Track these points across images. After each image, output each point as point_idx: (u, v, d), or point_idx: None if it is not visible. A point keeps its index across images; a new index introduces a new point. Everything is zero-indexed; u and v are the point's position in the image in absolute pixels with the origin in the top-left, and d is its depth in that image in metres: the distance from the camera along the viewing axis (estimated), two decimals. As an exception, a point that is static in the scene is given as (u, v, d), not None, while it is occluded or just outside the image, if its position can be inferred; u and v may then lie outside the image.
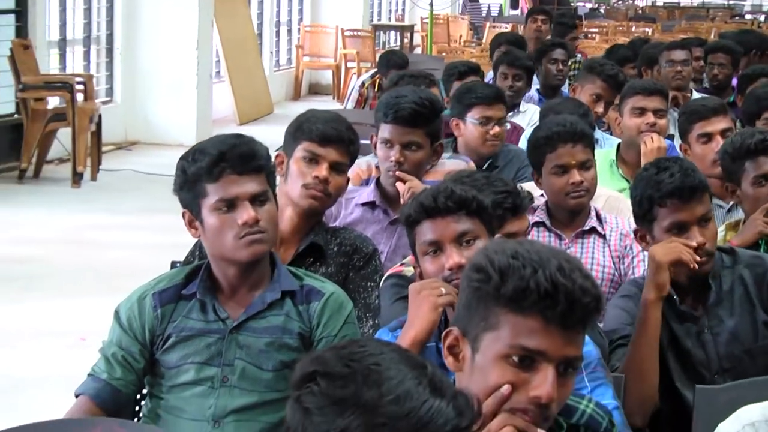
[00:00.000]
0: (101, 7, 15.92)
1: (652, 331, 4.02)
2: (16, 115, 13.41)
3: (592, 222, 5.12)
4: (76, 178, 12.83)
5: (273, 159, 3.94)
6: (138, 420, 3.83)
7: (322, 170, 4.41)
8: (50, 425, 3.23)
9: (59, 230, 10.90)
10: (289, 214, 4.44)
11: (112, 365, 3.67)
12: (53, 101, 13.16)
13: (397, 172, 5.00)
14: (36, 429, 3.21)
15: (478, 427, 2.46)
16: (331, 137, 4.46)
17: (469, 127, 6.31)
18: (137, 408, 3.92)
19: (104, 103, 15.09)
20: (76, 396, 3.67)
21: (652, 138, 6.08)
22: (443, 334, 2.64)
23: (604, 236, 5.11)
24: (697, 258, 4.01)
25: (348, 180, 4.66)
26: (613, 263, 5.06)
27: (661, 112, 6.53)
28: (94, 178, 12.99)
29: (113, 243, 10.28)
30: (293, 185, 4.43)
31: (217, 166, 3.61)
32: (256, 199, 3.63)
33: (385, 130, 5.19)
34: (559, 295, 2.44)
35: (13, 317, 8.19)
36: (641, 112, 6.47)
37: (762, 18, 31.73)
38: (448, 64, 9.11)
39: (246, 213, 3.59)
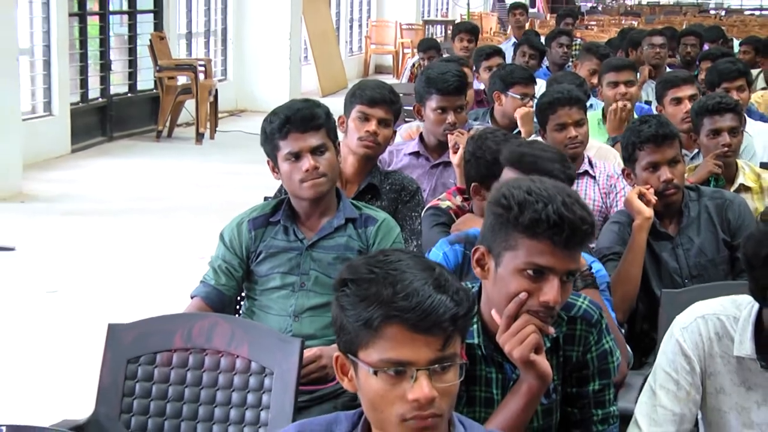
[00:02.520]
0: (218, 7, 15.97)
1: (639, 248, 4.02)
2: (154, 90, 13.53)
3: (585, 166, 5.06)
4: (199, 137, 12.93)
5: (336, 120, 3.92)
6: (237, 315, 3.84)
7: (372, 126, 4.40)
8: (173, 317, 3.25)
9: (186, 175, 10.98)
10: (351, 160, 4.43)
11: (218, 274, 3.68)
12: (182, 79, 13.16)
13: (455, 134, 4.89)
14: (163, 320, 3.23)
15: (504, 326, 2.48)
16: (377, 99, 4.44)
17: (510, 100, 6.19)
18: (237, 307, 3.93)
19: (220, 80, 15.13)
20: (192, 297, 3.69)
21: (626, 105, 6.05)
22: (473, 249, 2.61)
23: (594, 177, 5.05)
24: (653, 199, 4.04)
25: (394, 132, 4.65)
26: (601, 198, 5.01)
27: (630, 82, 6.48)
28: (212, 137, 13.07)
29: (225, 184, 10.27)
30: (351, 138, 4.42)
31: (285, 126, 3.61)
32: (317, 150, 3.61)
33: (439, 101, 5.07)
34: (564, 225, 2.43)
35: (151, 241, 8.27)
36: (615, 84, 6.43)
37: (723, 13, 31.32)
38: (477, 48, 9.04)
39: (308, 162, 3.57)
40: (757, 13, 32.28)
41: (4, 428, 2.29)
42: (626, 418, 2.80)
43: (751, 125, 6.00)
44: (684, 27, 15.54)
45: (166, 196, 10.00)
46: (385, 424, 2.01)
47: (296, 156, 3.61)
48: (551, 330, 2.50)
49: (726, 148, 4.75)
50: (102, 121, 12.99)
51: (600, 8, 33.23)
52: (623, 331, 3.91)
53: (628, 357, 3.44)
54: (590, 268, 3.39)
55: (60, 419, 3.06)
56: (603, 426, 2.65)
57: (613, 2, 37.44)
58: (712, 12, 31.67)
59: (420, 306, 1.96)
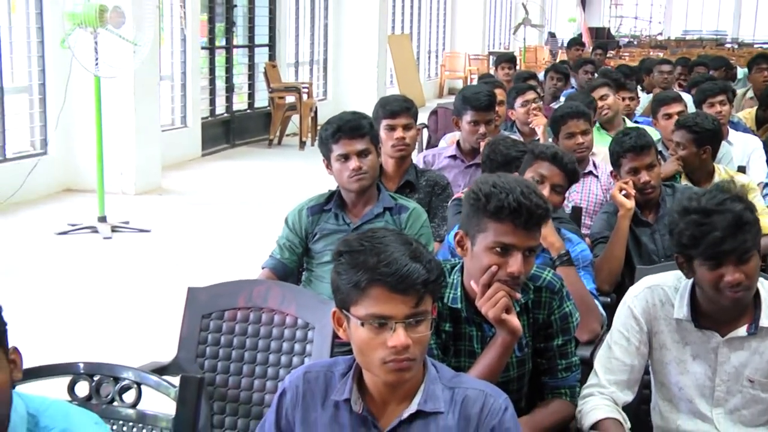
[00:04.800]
0: (320, 41, 16.08)
1: (622, 233, 3.98)
2: (267, 107, 13.63)
3: (590, 167, 5.00)
4: (302, 144, 13.01)
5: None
6: (299, 284, 3.84)
7: (399, 133, 4.37)
8: (238, 283, 3.24)
9: (291, 175, 11.03)
10: (390, 162, 4.42)
11: (283, 250, 3.72)
12: (289, 99, 13.26)
13: (485, 142, 4.81)
14: (230, 285, 3.23)
15: (480, 293, 2.48)
16: (397, 111, 4.42)
17: (517, 111, 6.19)
18: (299, 277, 3.93)
19: (321, 100, 15.26)
20: (262, 268, 3.74)
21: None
22: (454, 234, 2.61)
23: (597, 176, 4.98)
24: (632, 193, 4.00)
25: (419, 130, 4.61)
26: (603, 193, 4.93)
27: (604, 95, 6.29)
28: (312, 144, 13.05)
29: (321, 181, 10.23)
30: (386, 146, 4.36)
31: (336, 133, 3.62)
32: (362, 153, 3.61)
33: (473, 115, 5.02)
34: (523, 210, 2.42)
35: (261, 224, 8.21)
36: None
37: (736, 46, 30.63)
38: (516, 73, 8.99)
39: (354, 162, 3.59)
40: (766, 45, 31.51)
41: (81, 364, 2.33)
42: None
43: (733, 135, 5.92)
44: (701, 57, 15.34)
45: (275, 190, 10.07)
46: (370, 366, 2.03)
47: (345, 157, 3.62)
48: (518, 295, 2.49)
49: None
50: (226, 131, 13.17)
51: (635, 42, 32.77)
52: (610, 300, 3.88)
53: (602, 319, 3.40)
54: (567, 250, 3.37)
55: (150, 361, 3.12)
56: (566, 373, 2.65)
57: (647, 38, 36.91)
58: (728, 45, 31.00)
59: (398, 272, 1.97)
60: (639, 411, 2.81)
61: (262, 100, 13.93)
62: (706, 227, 2.39)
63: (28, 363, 2.04)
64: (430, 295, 2.02)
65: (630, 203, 3.99)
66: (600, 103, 6.20)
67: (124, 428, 2.35)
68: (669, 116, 5.58)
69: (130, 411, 2.36)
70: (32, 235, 7.90)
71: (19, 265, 7.03)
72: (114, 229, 7.99)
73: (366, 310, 1.99)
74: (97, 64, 7.90)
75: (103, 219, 8.00)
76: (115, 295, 6.40)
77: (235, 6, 13.43)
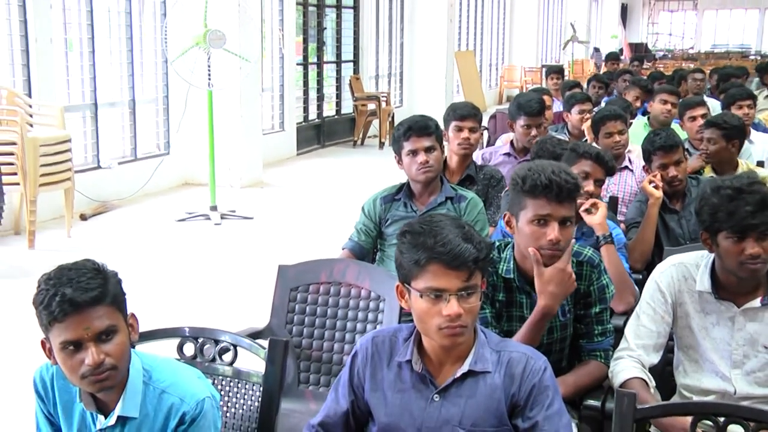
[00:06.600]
0: (396, 57, 16.01)
1: (651, 219, 3.89)
2: (352, 113, 13.64)
3: (625, 163, 4.89)
4: (381, 145, 12.99)
5: (443, 130, 3.85)
6: (374, 262, 3.81)
7: (465, 134, 4.29)
8: (320, 261, 3.24)
9: (371, 170, 11.01)
10: (454, 159, 4.34)
11: (360, 234, 3.70)
12: (370, 106, 13.26)
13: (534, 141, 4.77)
14: (314, 263, 3.23)
15: (537, 267, 2.43)
16: (466, 115, 4.33)
17: (573, 116, 6.08)
18: (374, 257, 3.90)
19: (397, 107, 15.17)
20: (342, 249, 3.71)
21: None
22: (503, 215, 2.57)
23: (632, 171, 4.87)
24: (660, 184, 3.91)
25: (482, 134, 4.53)
26: (637, 185, 4.82)
27: (673, 104, 6.19)
28: (389, 144, 12.91)
29: (397, 174, 10.27)
30: (453, 144, 4.31)
31: (407, 132, 3.59)
32: (429, 150, 3.57)
33: (525, 119, 4.94)
34: (553, 185, 2.41)
35: (347, 211, 8.09)
36: (664, 102, 6.20)
37: (759, 57, 29.64)
38: (563, 81, 8.83)
39: (422, 157, 3.56)
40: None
41: (187, 329, 2.35)
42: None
43: (754, 135, 5.75)
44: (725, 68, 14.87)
45: (358, 183, 10.02)
46: (428, 332, 2.01)
47: (414, 152, 3.59)
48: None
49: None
50: (317, 134, 13.22)
51: (669, 55, 31.98)
52: (641, 276, 3.79)
53: (636, 293, 3.32)
54: (611, 232, 3.32)
55: (247, 326, 3.14)
56: (601, 338, 2.59)
57: (680, 51, 35.96)
58: (751, 57, 30.03)
59: (452, 251, 1.94)
60: (663, 372, 2.74)
61: (347, 107, 13.95)
62: (739, 202, 2.35)
63: (153, 327, 2.07)
64: (480, 271, 1.99)
65: (658, 193, 3.89)
66: (668, 106, 6.13)
67: (223, 382, 2.37)
68: (693, 118, 5.46)
69: (228, 368, 2.38)
70: (157, 221, 8.05)
71: (146, 246, 7.17)
72: (223, 216, 8.09)
73: (424, 283, 1.97)
74: (209, 78, 8.00)
75: (214, 208, 8.10)
76: (224, 271, 6.48)
77: (325, 29, 13.48)
